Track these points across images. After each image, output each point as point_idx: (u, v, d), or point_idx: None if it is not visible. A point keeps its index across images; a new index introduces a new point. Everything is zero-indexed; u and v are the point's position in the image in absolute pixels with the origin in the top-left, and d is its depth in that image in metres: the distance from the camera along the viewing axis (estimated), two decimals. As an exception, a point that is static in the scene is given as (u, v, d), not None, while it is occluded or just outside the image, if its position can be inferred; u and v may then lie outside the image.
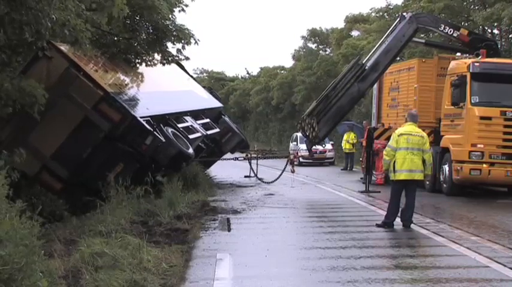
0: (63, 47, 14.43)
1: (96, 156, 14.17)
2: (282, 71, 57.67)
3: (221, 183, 20.93)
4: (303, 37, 51.96)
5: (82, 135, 14.06)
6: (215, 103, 22.40)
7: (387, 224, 11.51)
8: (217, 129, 20.25)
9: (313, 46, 52.31)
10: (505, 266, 8.37)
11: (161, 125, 15.49)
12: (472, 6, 28.91)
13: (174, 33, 17.35)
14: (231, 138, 21.33)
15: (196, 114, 19.30)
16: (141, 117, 14.58)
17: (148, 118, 14.96)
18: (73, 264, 7.95)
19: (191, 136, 17.09)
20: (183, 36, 17.41)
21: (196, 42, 17.78)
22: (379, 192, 17.40)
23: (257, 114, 61.02)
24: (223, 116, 22.15)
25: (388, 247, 10.22)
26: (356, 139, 28.51)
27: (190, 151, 16.31)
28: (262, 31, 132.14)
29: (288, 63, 75.95)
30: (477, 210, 14.44)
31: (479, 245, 9.84)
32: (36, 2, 10.58)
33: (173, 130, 16.14)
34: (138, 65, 17.85)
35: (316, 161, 31.26)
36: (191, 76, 24.36)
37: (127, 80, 17.21)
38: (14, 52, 12.23)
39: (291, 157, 18.33)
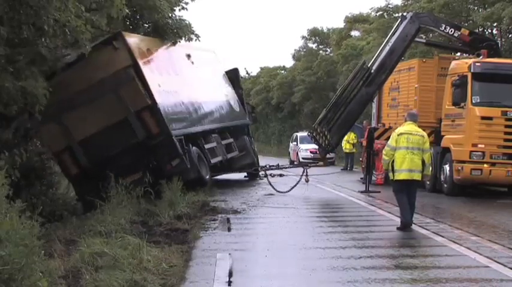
0: (132, 40, 14.32)
1: (121, 158, 14.18)
2: (282, 71, 57.64)
3: (221, 183, 20.90)
4: (303, 37, 52.02)
5: (116, 134, 14.12)
6: (244, 119, 22.04)
7: (405, 224, 11.22)
8: (237, 152, 20.07)
9: (313, 46, 52.33)
10: (505, 266, 8.36)
11: (190, 145, 15.46)
12: (472, 6, 28.88)
13: (174, 30, 17.35)
14: (243, 157, 20.82)
15: (223, 131, 19.29)
16: (176, 137, 14.57)
17: (182, 137, 14.94)
18: (73, 264, 7.96)
19: (213, 160, 17.15)
20: (183, 33, 17.41)
21: (197, 38, 17.80)
22: (379, 192, 17.40)
23: (257, 114, 60.93)
24: (245, 135, 21.70)
25: (388, 247, 10.20)
26: (356, 139, 28.46)
27: (208, 177, 16.42)
28: (262, 31, 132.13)
29: (288, 63, 75.85)
30: (477, 210, 14.42)
31: (479, 245, 9.83)
32: (36, 0, 10.59)
33: (199, 152, 16.10)
34: (190, 63, 17.82)
35: (315, 161, 31.17)
36: (238, 83, 23.52)
37: (175, 84, 16.77)
38: (15, 51, 12.24)
39: (306, 167, 18.40)
